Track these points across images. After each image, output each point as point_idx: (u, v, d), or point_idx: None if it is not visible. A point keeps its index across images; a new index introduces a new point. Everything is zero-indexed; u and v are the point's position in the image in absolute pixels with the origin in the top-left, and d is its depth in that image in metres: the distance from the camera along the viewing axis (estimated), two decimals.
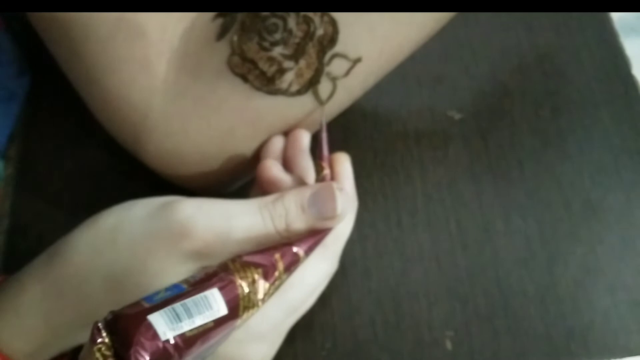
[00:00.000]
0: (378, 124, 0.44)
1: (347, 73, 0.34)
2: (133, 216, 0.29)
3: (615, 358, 0.37)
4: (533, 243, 0.40)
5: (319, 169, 0.33)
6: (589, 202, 0.41)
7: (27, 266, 0.30)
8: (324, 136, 0.33)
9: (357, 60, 0.34)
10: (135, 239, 0.28)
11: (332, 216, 0.29)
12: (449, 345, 0.37)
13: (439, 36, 0.47)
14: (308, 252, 0.29)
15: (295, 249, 0.29)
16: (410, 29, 0.35)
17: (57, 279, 0.29)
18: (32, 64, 0.44)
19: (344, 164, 0.34)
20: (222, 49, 0.34)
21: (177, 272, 0.28)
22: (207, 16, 0.34)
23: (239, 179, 0.38)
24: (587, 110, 0.44)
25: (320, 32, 0.33)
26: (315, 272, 0.32)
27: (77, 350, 0.31)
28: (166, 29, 0.34)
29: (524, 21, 0.47)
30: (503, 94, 0.45)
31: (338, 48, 0.33)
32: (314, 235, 0.30)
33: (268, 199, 0.29)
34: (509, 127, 0.44)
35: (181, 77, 0.34)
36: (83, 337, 0.29)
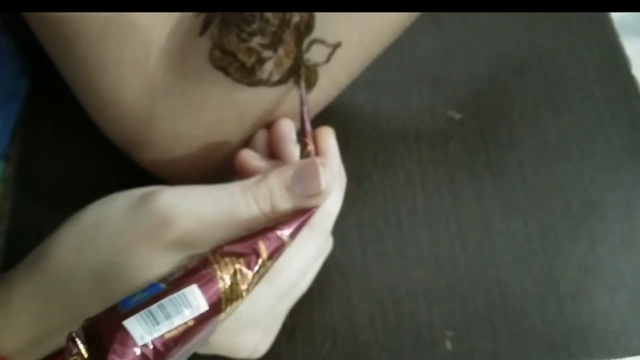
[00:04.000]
0: (378, 124, 0.44)
1: (328, 59, 0.33)
2: (114, 210, 0.28)
3: (615, 358, 0.37)
4: (533, 243, 0.40)
5: (302, 146, 0.31)
6: (589, 202, 0.41)
7: (16, 266, 0.30)
8: (305, 110, 0.32)
9: (336, 46, 0.33)
10: (117, 232, 0.28)
11: (317, 193, 0.29)
12: (449, 345, 0.37)
13: (439, 36, 0.47)
14: (293, 235, 0.28)
15: (279, 233, 0.28)
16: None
17: (44, 278, 0.29)
18: (32, 64, 0.44)
19: (328, 139, 0.33)
20: (204, 44, 0.33)
21: (162, 263, 0.27)
22: (191, 13, 0.34)
23: (232, 175, 0.38)
24: (587, 110, 0.44)
25: (296, 18, 0.32)
26: (304, 254, 0.31)
27: None
28: (154, 29, 0.34)
29: (524, 21, 0.47)
30: (503, 94, 0.45)
31: (316, 34, 0.33)
32: (300, 216, 0.29)
33: (251, 180, 0.29)
34: (509, 127, 0.43)
35: (168, 75, 0.34)
36: None
